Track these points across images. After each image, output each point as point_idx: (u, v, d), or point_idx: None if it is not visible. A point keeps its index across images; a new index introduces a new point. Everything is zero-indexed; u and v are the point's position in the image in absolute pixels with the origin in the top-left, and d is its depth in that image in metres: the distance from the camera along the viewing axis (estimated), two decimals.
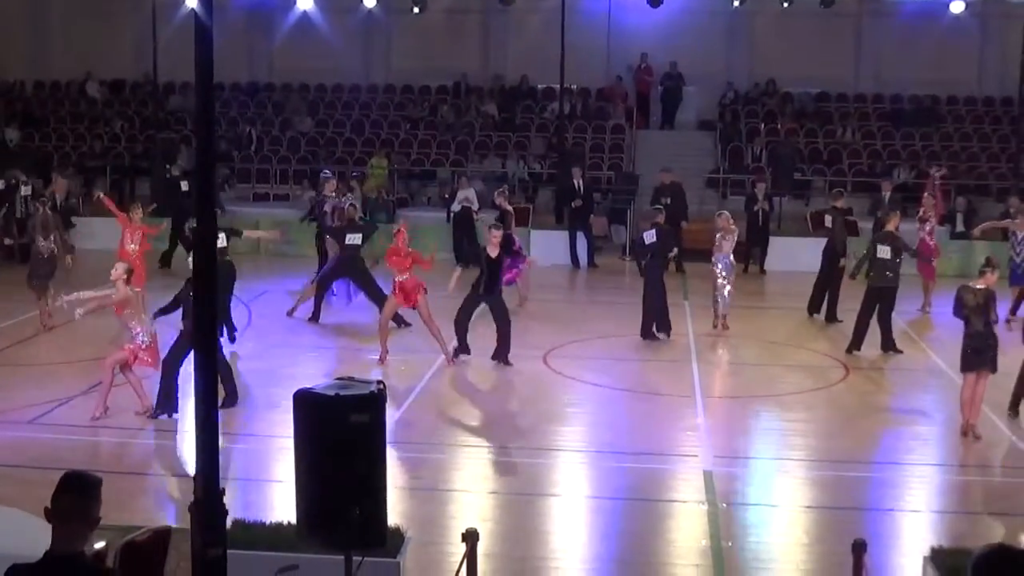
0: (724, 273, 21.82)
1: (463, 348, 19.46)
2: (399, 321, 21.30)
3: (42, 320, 20.91)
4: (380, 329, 19.41)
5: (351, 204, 24.25)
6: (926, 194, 25.29)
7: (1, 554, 7.62)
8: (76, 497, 5.81)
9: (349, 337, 21.70)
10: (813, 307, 23.27)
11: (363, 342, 21.08)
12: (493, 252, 19.27)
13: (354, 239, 22.16)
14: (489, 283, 19.23)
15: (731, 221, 22.38)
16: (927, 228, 23.92)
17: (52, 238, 21.55)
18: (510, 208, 25.77)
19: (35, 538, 6.62)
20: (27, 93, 41.56)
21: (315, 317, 22.25)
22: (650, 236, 21.49)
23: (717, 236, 22.07)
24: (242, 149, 36.80)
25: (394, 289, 19.27)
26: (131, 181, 36.14)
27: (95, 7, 39.43)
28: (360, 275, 22.26)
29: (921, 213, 24.42)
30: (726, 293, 21.81)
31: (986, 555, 5.49)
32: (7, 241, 28.08)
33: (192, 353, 14.32)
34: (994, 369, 15.40)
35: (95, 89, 40.88)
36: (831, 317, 22.93)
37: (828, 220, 23.53)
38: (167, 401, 15.78)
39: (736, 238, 22.43)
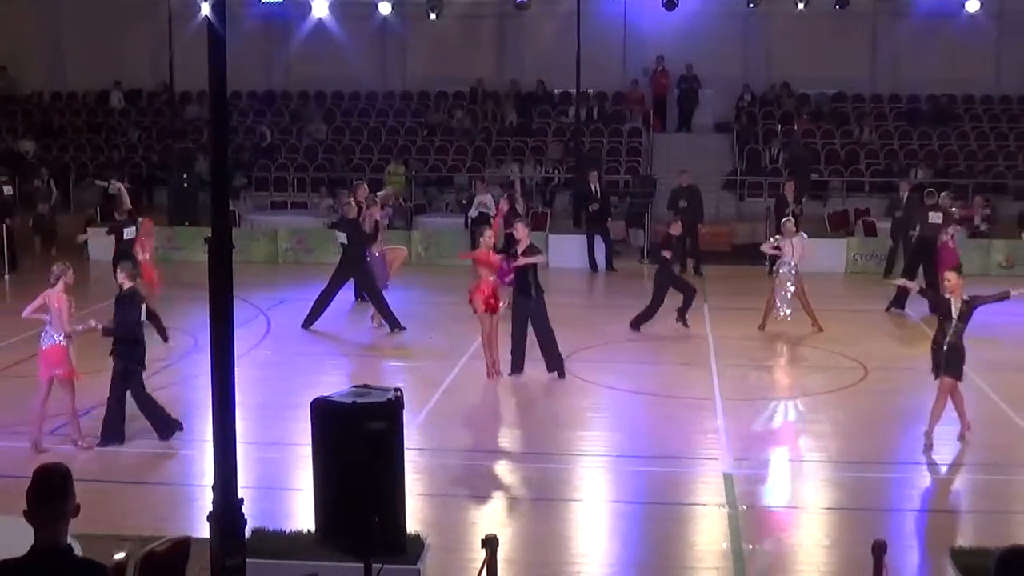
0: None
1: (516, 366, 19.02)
2: (393, 325, 21.91)
3: None
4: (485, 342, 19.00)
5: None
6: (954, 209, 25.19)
7: None
8: (53, 499, 5.77)
9: (366, 346, 21.72)
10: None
11: (380, 351, 21.18)
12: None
13: (341, 238, 22.46)
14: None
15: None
16: (950, 232, 23.75)
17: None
18: (509, 206, 25.94)
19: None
20: (44, 104, 41.78)
21: (307, 322, 22.34)
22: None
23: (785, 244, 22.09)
24: (260, 154, 36.91)
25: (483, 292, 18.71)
26: (149, 190, 36.30)
27: (110, 18, 39.56)
28: (360, 275, 22.43)
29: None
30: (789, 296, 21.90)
31: (1006, 556, 5.51)
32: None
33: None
34: None
35: (118, 99, 41.06)
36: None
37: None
38: (114, 431, 15.33)
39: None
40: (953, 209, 24.75)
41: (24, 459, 13.96)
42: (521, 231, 18.93)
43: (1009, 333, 21.86)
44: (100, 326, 15.48)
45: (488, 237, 19.12)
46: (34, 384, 15.33)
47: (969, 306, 14.99)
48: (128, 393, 15.32)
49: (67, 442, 15.10)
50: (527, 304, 18.62)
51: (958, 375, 15.06)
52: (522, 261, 18.57)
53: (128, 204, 25.09)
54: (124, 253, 22.43)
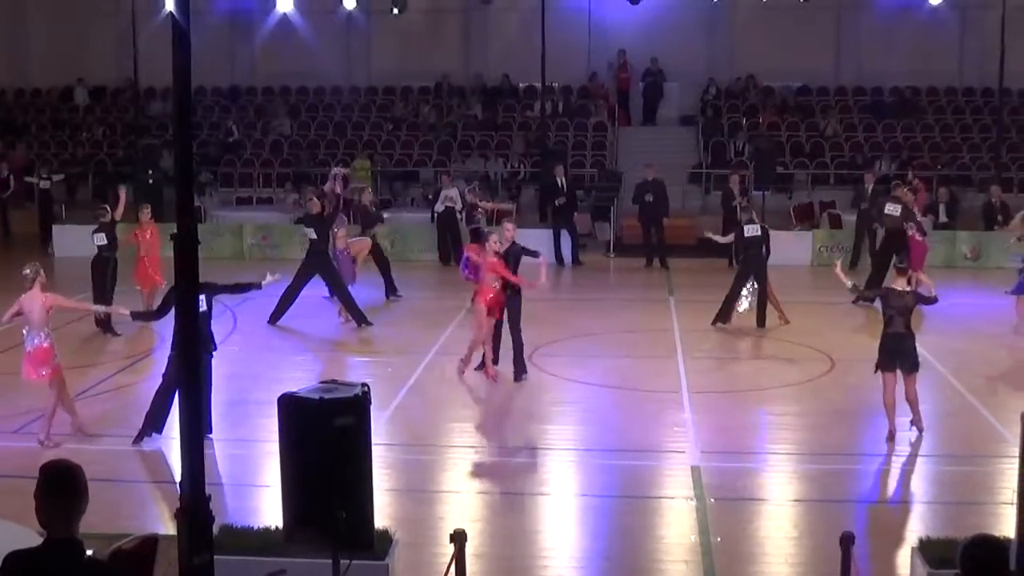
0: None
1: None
2: (360, 320, 21.97)
3: None
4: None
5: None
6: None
7: None
8: (62, 494, 5.78)
9: (333, 341, 21.67)
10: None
11: (347, 347, 21.14)
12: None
13: (309, 233, 22.47)
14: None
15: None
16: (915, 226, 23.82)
17: None
18: (478, 203, 26.08)
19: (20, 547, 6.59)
20: (7, 101, 41.50)
21: (273, 318, 22.27)
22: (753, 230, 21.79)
23: None
24: (225, 150, 36.80)
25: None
26: (114, 187, 36.10)
27: (73, 14, 39.37)
28: (326, 271, 22.46)
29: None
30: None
31: (971, 545, 5.65)
32: None
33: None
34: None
35: (83, 96, 40.82)
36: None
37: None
38: (155, 420, 15.20)
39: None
40: (911, 199, 24.80)
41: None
42: (510, 231, 18.81)
43: (973, 324, 22.00)
44: (128, 311, 16.46)
45: (493, 242, 18.39)
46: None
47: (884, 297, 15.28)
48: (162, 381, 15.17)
49: (34, 439, 15.05)
50: (518, 304, 18.45)
51: (901, 366, 15.10)
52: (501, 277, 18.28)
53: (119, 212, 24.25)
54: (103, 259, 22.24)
